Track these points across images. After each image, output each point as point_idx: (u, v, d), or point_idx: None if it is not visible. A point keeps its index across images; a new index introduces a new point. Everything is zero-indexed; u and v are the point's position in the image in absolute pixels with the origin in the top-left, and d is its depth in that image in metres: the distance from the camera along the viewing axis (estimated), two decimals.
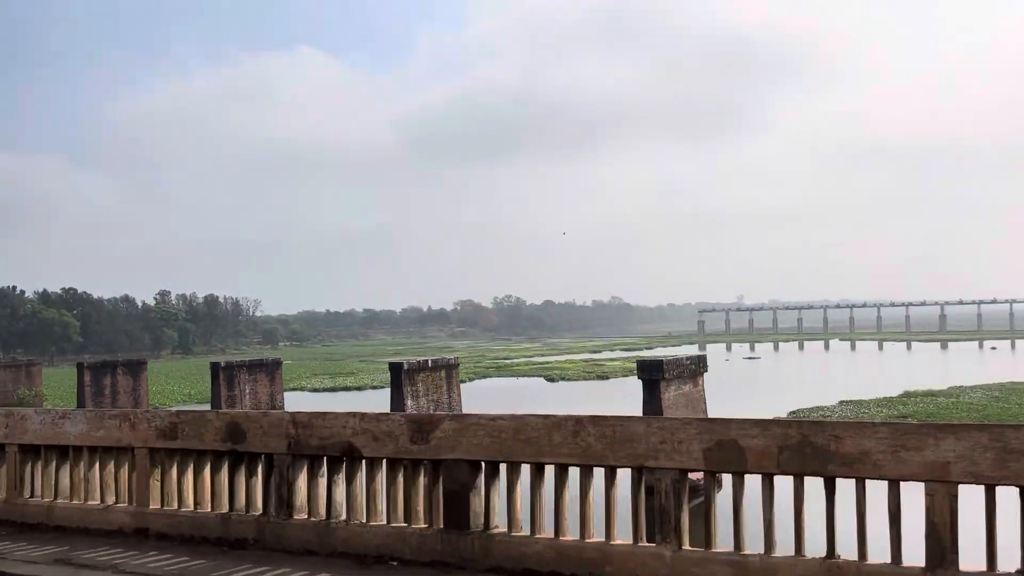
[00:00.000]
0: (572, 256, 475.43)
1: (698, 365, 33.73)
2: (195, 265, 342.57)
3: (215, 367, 49.54)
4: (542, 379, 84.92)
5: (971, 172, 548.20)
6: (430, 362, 41.51)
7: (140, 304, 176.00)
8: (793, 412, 45.04)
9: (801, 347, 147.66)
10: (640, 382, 31.00)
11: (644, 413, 29.01)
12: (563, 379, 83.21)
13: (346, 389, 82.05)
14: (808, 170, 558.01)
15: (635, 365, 33.30)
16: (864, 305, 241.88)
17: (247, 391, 50.18)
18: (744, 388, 65.13)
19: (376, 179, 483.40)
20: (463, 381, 55.41)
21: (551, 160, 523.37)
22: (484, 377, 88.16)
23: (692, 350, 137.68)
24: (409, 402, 39.10)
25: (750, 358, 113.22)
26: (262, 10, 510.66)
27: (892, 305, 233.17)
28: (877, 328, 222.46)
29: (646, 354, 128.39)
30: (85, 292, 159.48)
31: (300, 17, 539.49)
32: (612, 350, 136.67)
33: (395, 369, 39.19)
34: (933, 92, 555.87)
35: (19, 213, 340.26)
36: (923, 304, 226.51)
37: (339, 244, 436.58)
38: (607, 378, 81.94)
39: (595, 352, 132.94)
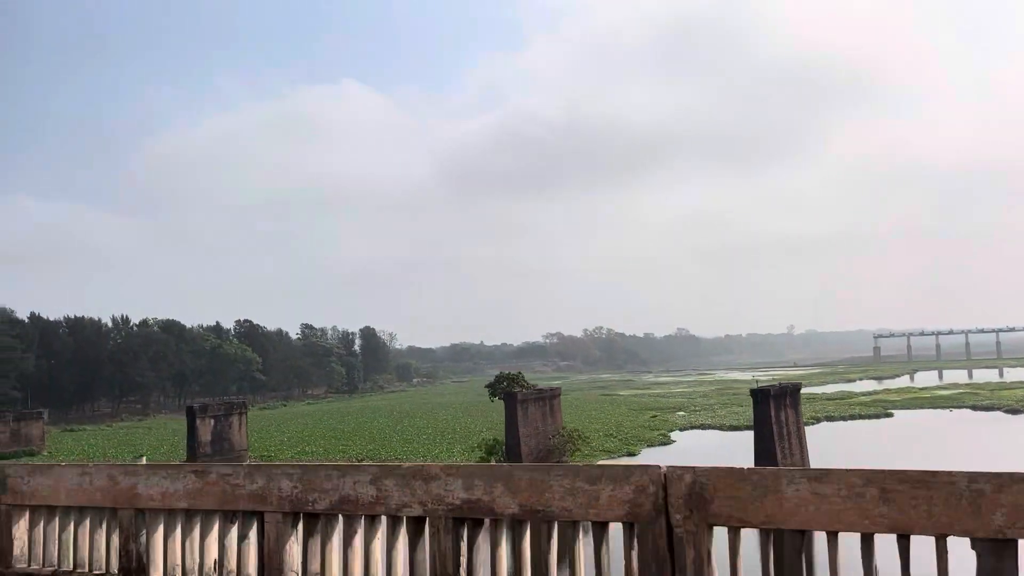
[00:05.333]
0: (615, 288, 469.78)
1: None
2: (239, 298, 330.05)
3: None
4: (967, 410, 76.87)
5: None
6: None
7: (294, 338, 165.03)
8: None
9: None
10: None
11: None
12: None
13: (719, 428, 74.69)
14: (855, 197, 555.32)
15: None
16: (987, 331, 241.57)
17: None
18: None
19: (415, 212, 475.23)
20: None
21: (593, 191, 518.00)
22: (829, 418, 78.82)
23: (931, 376, 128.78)
24: None
25: None
26: (309, 44, 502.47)
27: (1012, 330, 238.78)
28: (997, 354, 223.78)
29: (895, 384, 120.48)
30: (262, 325, 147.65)
31: (347, 51, 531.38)
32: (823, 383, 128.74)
33: None
34: (986, 118, 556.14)
35: (62, 252, 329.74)
36: None
37: (375, 277, 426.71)
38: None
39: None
